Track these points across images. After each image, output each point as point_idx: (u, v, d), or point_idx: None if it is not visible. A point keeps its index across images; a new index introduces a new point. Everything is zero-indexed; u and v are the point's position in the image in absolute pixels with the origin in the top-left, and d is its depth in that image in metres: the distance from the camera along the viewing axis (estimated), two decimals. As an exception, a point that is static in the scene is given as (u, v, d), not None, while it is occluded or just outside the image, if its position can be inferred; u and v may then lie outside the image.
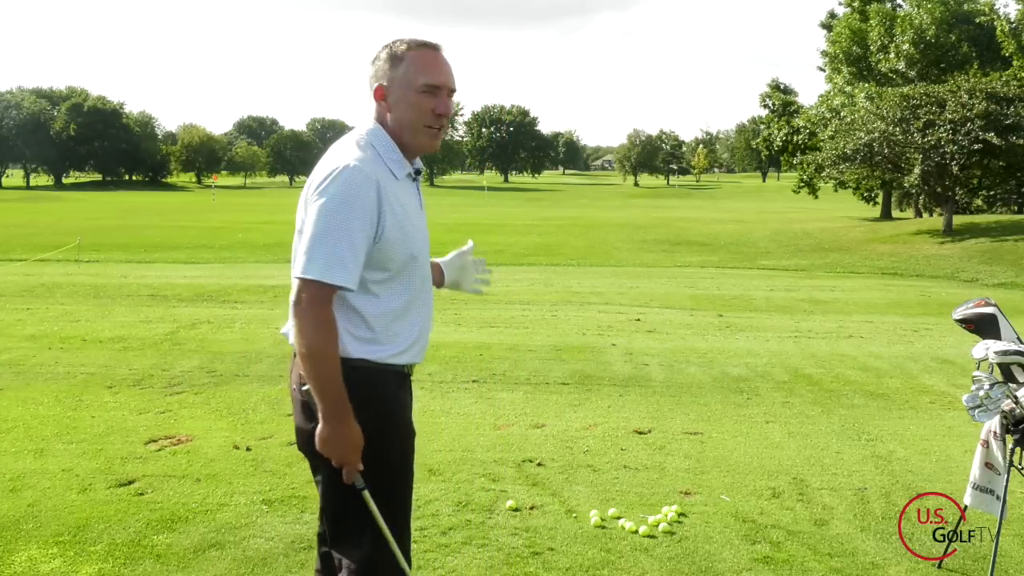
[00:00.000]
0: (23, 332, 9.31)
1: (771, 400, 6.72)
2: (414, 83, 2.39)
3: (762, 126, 51.05)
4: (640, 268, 19.70)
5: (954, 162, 24.99)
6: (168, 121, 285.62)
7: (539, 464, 5.08)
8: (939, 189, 27.45)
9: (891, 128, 26.20)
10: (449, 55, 2.51)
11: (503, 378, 7.32)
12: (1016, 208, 39.07)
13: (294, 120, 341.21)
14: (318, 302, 2.28)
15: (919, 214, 38.99)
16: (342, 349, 2.36)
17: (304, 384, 2.37)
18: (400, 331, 2.45)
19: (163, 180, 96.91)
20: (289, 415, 2.45)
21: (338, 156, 2.37)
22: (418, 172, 2.56)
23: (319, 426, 2.34)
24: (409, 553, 2.51)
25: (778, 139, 43.67)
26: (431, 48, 2.44)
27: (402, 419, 2.51)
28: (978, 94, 25.19)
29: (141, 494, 4.53)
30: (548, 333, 9.61)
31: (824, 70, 41.38)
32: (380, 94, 2.44)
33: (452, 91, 2.46)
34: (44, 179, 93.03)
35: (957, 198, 29.45)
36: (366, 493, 2.39)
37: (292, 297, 2.31)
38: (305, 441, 2.45)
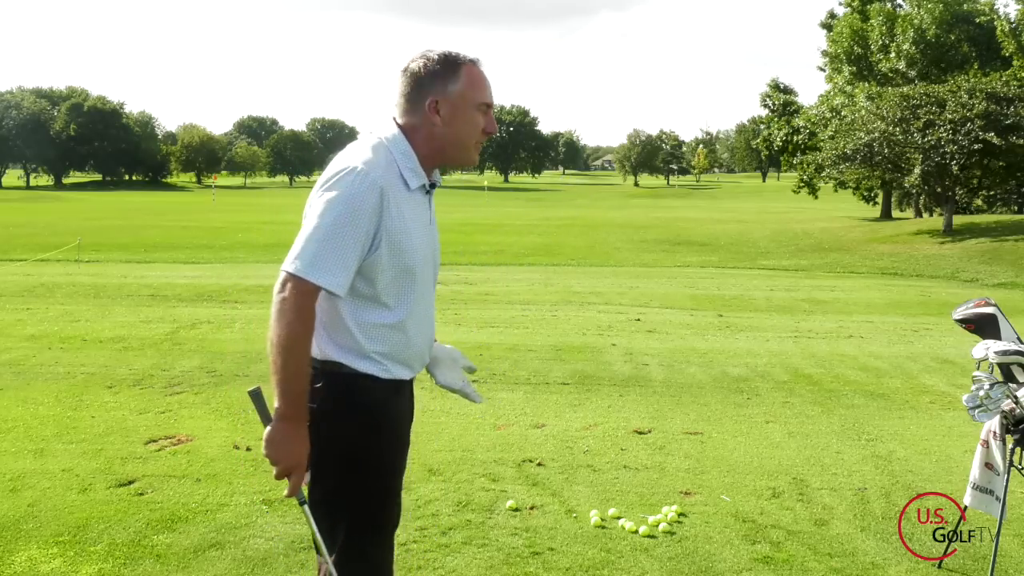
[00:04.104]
0: (23, 332, 9.31)
1: (771, 400, 6.72)
2: (472, 100, 2.40)
3: (762, 126, 51.00)
4: (640, 268, 19.70)
5: (954, 162, 24.99)
6: (168, 121, 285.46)
7: (539, 464, 5.09)
8: (939, 189, 27.45)
9: (891, 128, 26.21)
10: None
11: (503, 378, 7.32)
12: (1016, 208, 39.09)
13: (294, 120, 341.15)
14: (298, 296, 2.20)
15: (919, 214, 38.98)
16: (322, 352, 2.32)
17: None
18: (393, 346, 2.37)
19: (163, 180, 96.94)
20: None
21: (351, 156, 2.31)
22: (432, 185, 2.48)
23: (270, 425, 2.24)
24: (390, 557, 2.46)
25: (778, 139, 43.62)
26: (480, 65, 2.46)
27: (385, 429, 2.41)
28: (978, 94, 25.20)
29: (141, 494, 4.53)
30: (548, 333, 9.61)
31: (824, 70, 41.40)
32: (434, 107, 2.38)
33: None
34: (44, 179, 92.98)
35: (957, 198, 29.45)
36: (306, 507, 2.35)
37: (276, 287, 2.23)
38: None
